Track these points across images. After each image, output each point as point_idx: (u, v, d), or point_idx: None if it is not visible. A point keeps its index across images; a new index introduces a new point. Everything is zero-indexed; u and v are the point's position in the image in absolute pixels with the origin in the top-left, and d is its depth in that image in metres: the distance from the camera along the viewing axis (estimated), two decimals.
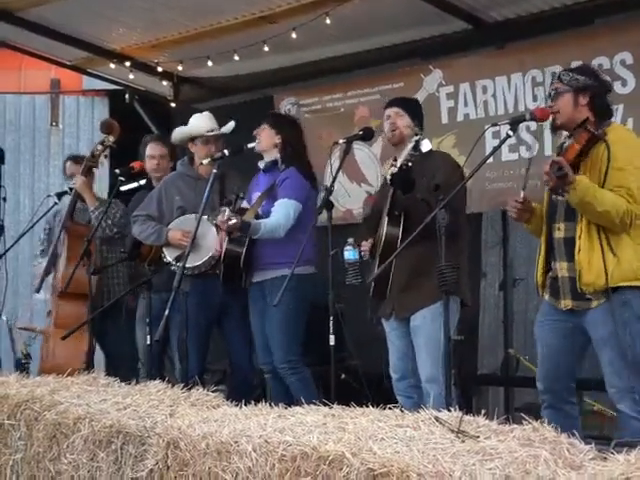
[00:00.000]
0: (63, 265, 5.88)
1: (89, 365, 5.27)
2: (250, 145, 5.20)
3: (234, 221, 4.86)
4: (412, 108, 4.83)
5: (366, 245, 4.64)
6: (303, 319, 5.11)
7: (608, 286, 3.80)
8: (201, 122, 5.67)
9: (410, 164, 4.28)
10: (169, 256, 5.42)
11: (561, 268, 4.02)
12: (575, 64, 5.21)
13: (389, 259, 4.16)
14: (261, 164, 5.34)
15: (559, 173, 3.70)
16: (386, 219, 4.52)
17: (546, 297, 4.15)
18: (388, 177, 4.47)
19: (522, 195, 4.09)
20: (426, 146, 4.38)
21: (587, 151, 3.88)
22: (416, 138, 4.39)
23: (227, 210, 4.91)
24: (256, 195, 5.28)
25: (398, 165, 4.35)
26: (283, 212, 5.05)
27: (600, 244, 3.85)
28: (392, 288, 4.57)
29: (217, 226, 5.09)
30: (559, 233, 4.03)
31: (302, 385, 4.95)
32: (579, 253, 3.91)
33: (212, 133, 5.52)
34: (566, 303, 4.01)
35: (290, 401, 4.09)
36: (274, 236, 5.02)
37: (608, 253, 3.83)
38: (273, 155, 5.27)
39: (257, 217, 5.11)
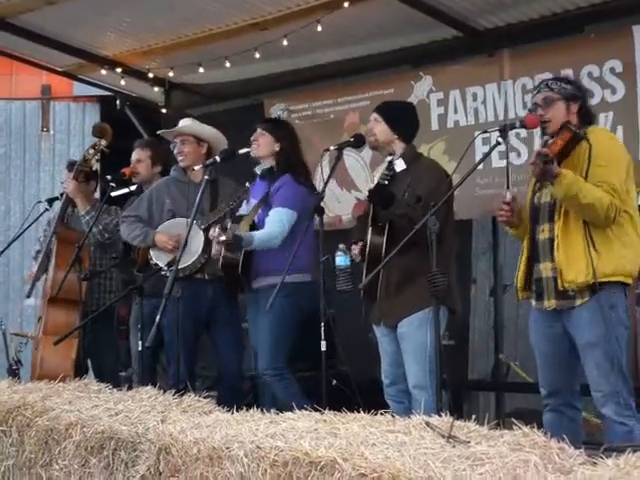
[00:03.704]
0: (53, 271, 5.84)
1: (77, 372, 5.27)
2: (242, 151, 5.18)
3: (223, 238, 4.86)
4: (391, 114, 4.73)
5: (356, 248, 4.62)
6: (294, 327, 5.08)
7: (594, 280, 3.83)
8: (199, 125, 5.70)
9: (387, 182, 4.40)
10: (155, 259, 5.42)
11: (545, 268, 4.05)
12: (565, 72, 5.26)
13: (376, 269, 4.17)
14: (258, 170, 5.32)
15: (546, 159, 3.74)
16: (370, 229, 4.55)
17: (533, 302, 4.16)
18: (365, 194, 4.53)
19: (508, 196, 4.11)
20: (400, 166, 4.55)
21: (568, 151, 3.93)
22: (389, 159, 4.56)
23: (217, 227, 4.92)
24: (253, 202, 5.26)
25: (375, 183, 4.43)
26: (277, 222, 5.03)
27: (583, 240, 3.89)
28: (380, 295, 4.58)
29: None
30: (543, 234, 4.06)
31: (287, 393, 4.93)
32: (557, 251, 3.95)
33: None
34: (550, 303, 4.03)
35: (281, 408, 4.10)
36: (269, 246, 5.01)
37: (591, 249, 3.87)
38: (270, 162, 5.26)
39: (253, 226, 5.11)
